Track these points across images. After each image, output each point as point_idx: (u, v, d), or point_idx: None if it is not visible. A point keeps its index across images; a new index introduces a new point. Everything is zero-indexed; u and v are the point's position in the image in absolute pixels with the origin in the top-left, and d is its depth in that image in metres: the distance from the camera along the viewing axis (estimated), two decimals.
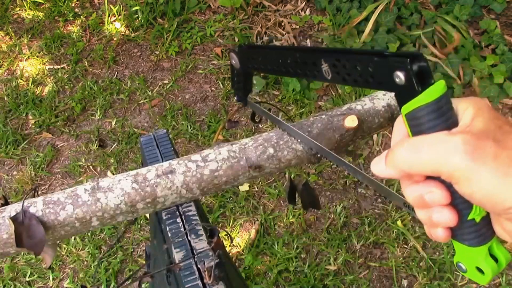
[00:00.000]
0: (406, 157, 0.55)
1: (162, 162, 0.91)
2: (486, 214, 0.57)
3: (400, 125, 0.59)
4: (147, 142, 1.14)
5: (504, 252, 0.59)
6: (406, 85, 0.54)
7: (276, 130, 0.94)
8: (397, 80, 0.55)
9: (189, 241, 0.92)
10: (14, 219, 0.83)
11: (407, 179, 0.58)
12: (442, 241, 0.59)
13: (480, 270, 0.58)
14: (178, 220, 0.95)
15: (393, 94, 0.98)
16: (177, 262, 0.88)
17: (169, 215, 0.95)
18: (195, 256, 0.89)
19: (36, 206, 0.85)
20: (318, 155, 0.94)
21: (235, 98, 1.00)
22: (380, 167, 0.59)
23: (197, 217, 0.95)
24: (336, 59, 0.65)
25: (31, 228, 0.83)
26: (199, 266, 0.88)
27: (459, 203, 0.56)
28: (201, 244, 0.92)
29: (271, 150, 0.91)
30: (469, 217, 0.56)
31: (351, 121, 0.92)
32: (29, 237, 0.83)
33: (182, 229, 0.94)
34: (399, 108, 0.57)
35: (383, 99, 1.00)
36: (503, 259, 0.59)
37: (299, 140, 0.92)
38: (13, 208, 0.86)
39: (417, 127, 0.55)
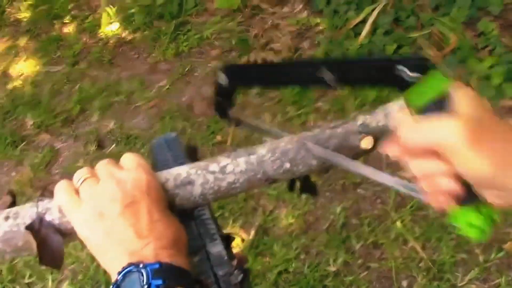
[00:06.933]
0: (414, 135, 0.64)
1: (174, 166, 0.90)
2: None
3: (401, 111, 0.70)
4: (159, 145, 1.12)
5: (495, 214, 0.68)
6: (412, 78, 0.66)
7: (293, 142, 0.93)
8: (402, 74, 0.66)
9: (204, 245, 0.91)
10: (30, 228, 0.80)
11: (412, 156, 0.67)
12: (446, 207, 0.68)
13: (481, 229, 0.68)
14: (192, 223, 0.95)
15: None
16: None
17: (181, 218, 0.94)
18: (211, 260, 0.89)
19: (52, 213, 0.83)
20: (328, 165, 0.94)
21: (219, 116, 1.02)
22: (393, 149, 0.67)
23: (211, 221, 0.94)
24: (340, 67, 0.74)
25: (48, 239, 0.80)
26: (214, 270, 0.87)
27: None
28: (216, 247, 0.91)
29: (287, 165, 0.91)
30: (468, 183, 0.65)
31: (367, 143, 0.93)
32: (47, 250, 0.80)
33: (196, 232, 0.93)
34: (404, 97, 0.68)
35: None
36: (498, 218, 0.68)
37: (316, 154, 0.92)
38: (27, 214, 0.83)
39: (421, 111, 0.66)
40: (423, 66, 0.65)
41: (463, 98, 0.63)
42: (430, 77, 0.64)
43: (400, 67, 0.65)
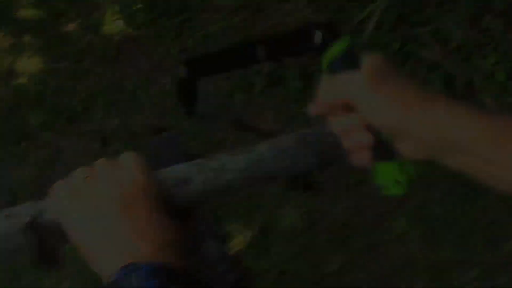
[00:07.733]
0: (326, 91, 0.72)
1: (174, 165, 0.90)
2: None
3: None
4: (158, 144, 1.12)
5: (411, 167, 0.73)
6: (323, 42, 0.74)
7: (293, 140, 0.93)
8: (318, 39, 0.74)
9: (200, 244, 0.91)
10: (27, 228, 0.80)
11: (331, 113, 0.73)
12: (366, 164, 0.73)
13: (398, 182, 0.73)
14: (189, 222, 0.95)
15: None
16: None
17: (179, 217, 0.94)
18: (207, 260, 0.89)
19: (50, 213, 0.82)
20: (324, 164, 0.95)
21: (184, 112, 0.99)
22: (313, 108, 0.74)
23: (209, 220, 0.95)
24: (269, 42, 0.81)
25: (46, 240, 0.79)
26: (210, 269, 0.87)
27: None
28: (212, 247, 0.91)
29: (287, 162, 0.91)
30: (383, 137, 0.70)
31: None
32: (45, 250, 0.80)
33: (193, 231, 0.93)
34: (321, 60, 0.75)
35: None
36: (413, 172, 0.73)
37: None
38: (25, 213, 0.83)
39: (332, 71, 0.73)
40: (334, 31, 0.74)
41: (369, 57, 0.69)
42: (339, 40, 0.72)
43: (317, 33, 0.73)
